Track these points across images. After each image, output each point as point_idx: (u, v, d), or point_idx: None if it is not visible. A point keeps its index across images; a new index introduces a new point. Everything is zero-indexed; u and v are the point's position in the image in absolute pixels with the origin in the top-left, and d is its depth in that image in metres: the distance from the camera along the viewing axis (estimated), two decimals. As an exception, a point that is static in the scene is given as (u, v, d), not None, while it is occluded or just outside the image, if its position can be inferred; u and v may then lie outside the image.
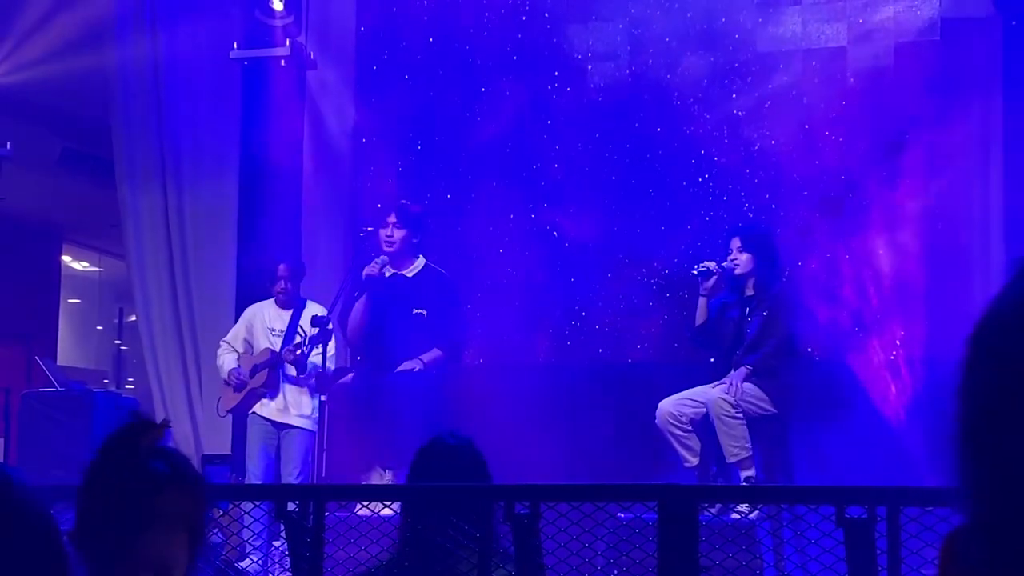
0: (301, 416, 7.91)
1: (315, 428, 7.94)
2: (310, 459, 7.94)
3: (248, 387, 7.95)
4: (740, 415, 6.85)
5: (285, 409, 7.92)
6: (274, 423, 7.94)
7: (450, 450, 3.87)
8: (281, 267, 8.11)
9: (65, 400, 9.15)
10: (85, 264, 15.10)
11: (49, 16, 9.60)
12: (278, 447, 7.98)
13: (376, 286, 7.84)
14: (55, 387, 9.31)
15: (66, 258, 14.25)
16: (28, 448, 8.98)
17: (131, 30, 9.85)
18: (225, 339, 8.25)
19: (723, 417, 6.85)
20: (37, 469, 8.64)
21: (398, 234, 7.78)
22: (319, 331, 7.59)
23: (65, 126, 10.92)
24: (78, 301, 15.17)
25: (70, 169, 11.42)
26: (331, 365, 7.76)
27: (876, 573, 3.08)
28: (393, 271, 7.85)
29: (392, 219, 7.82)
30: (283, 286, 8.04)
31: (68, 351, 14.10)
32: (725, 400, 6.85)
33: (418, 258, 7.91)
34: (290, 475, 7.86)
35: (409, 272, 7.85)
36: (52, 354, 12.33)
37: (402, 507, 3.69)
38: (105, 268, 15.01)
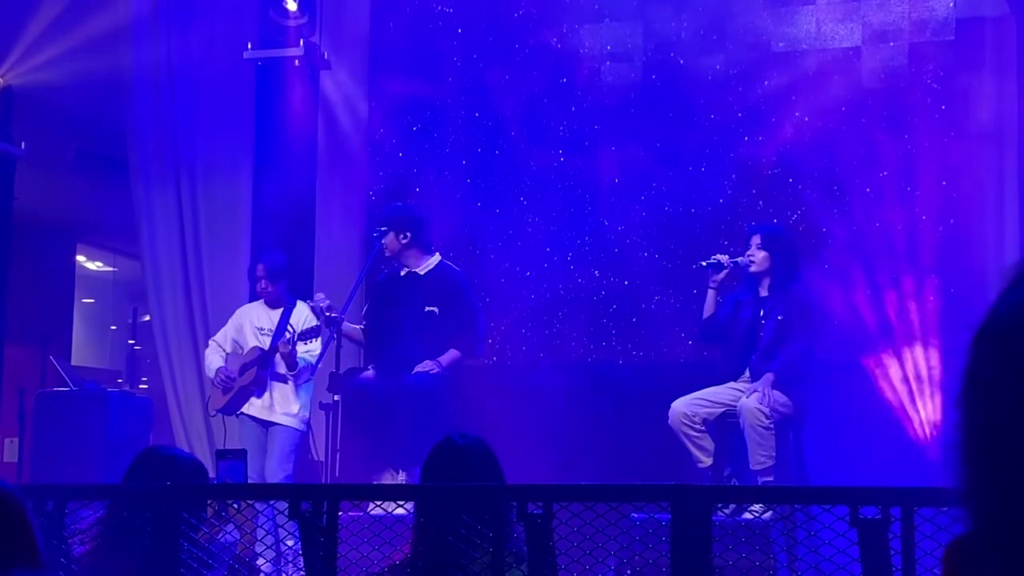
0: (287, 415, 7.88)
1: (303, 428, 7.92)
2: (295, 458, 7.93)
3: (237, 385, 7.94)
4: (772, 425, 6.84)
5: (271, 407, 7.91)
6: (260, 421, 7.93)
7: (460, 450, 3.88)
8: (259, 267, 8.11)
9: (79, 400, 9.17)
10: (99, 264, 15.12)
11: (64, 17, 9.62)
12: (266, 445, 7.96)
13: (391, 286, 7.86)
14: (69, 387, 9.33)
15: (80, 258, 14.27)
16: (42, 448, 9.00)
17: (146, 30, 9.87)
18: (214, 339, 8.24)
19: (757, 427, 6.83)
20: (51, 468, 8.67)
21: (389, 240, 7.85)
22: (316, 324, 7.60)
23: (80, 126, 10.94)
24: (92, 301, 15.18)
25: (85, 169, 11.44)
26: (311, 360, 7.78)
27: (890, 574, 3.07)
28: (408, 270, 7.86)
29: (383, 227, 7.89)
30: (263, 286, 8.04)
31: (82, 351, 14.12)
32: (760, 411, 6.83)
33: (432, 255, 7.89)
34: (275, 474, 7.82)
35: (421, 270, 7.84)
36: (66, 354, 12.35)
37: (416, 507, 3.70)
38: (119, 268, 15.02)
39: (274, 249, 8.44)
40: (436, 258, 7.90)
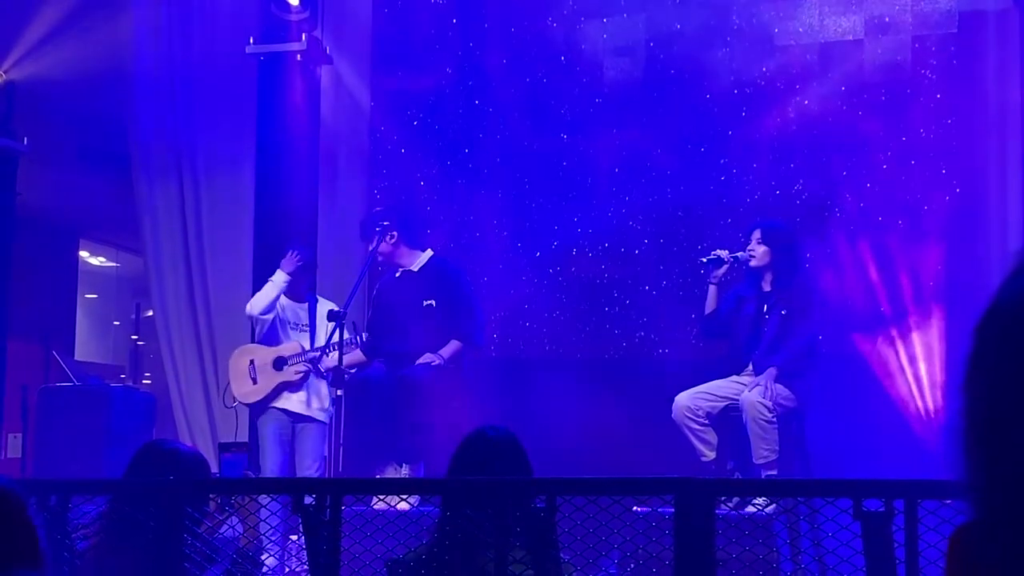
0: (321, 410, 7.94)
1: (328, 421, 7.97)
2: (325, 452, 7.97)
3: (278, 380, 7.94)
4: (775, 419, 6.84)
5: (308, 402, 7.94)
6: (292, 415, 7.94)
7: (491, 443, 3.89)
8: (292, 253, 8.07)
9: (82, 395, 9.17)
10: (102, 259, 15.13)
11: (66, 13, 9.61)
12: (292, 440, 7.98)
13: (389, 289, 7.92)
14: (72, 382, 9.33)
15: (83, 254, 14.27)
16: (46, 443, 9.01)
17: (148, 26, 9.87)
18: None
19: (759, 421, 6.83)
20: (54, 464, 8.67)
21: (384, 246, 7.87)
22: (335, 325, 7.60)
23: (82, 122, 10.93)
24: (95, 296, 15.20)
25: (87, 165, 11.44)
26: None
27: (894, 566, 3.06)
28: (403, 269, 7.91)
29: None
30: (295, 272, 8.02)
31: (85, 346, 14.12)
32: (763, 404, 6.83)
33: (424, 251, 7.95)
34: (308, 469, 7.87)
35: (415, 267, 7.90)
36: (69, 349, 12.35)
37: (437, 499, 3.71)
38: (122, 263, 15.04)
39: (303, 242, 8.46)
40: (429, 253, 7.95)
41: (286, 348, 7.99)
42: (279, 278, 7.97)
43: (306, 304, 8.09)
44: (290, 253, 8.05)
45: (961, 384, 0.99)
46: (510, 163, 9.21)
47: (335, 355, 7.64)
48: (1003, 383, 0.92)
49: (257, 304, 7.99)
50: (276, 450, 7.91)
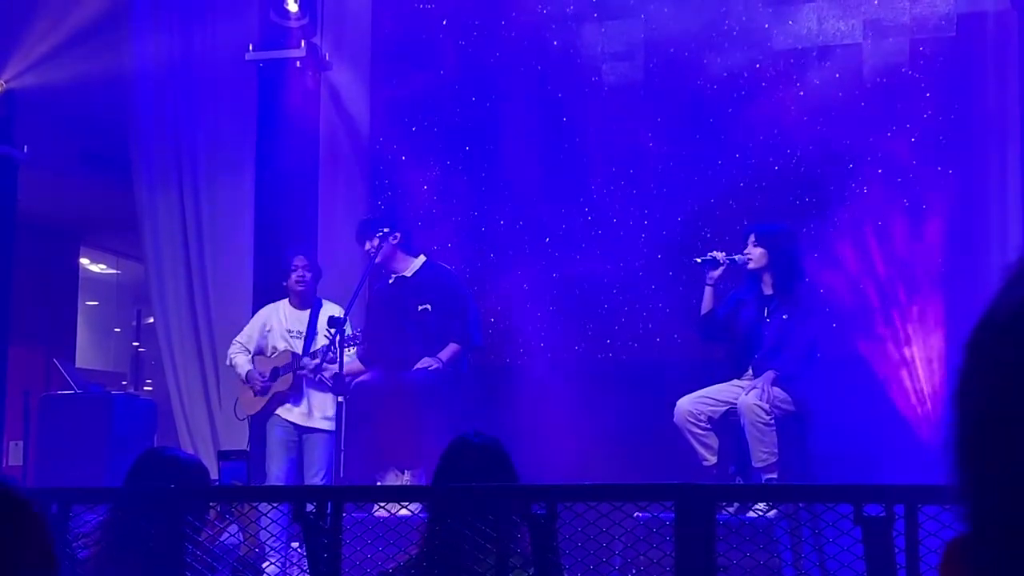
0: (325, 419, 7.92)
1: (334, 428, 7.97)
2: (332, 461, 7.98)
3: (272, 391, 7.95)
4: (773, 422, 6.84)
5: (309, 413, 7.95)
6: (296, 426, 7.95)
7: (475, 449, 3.88)
8: (299, 257, 8.11)
9: (83, 402, 9.18)
10: (103, 266, 15.14)
11: (65, 18, 9.62)
12: (299, 449, 7.99)
13: (383, 295, 7.95)
14: (73, 389, 9.33)
15: (84, 261, 14.28)
16: (47, 450, 9.01)
17: (147, 32, 9.86)
18: (238, 339, 8.24)
19: (757, 424, 6.83)
20: (56, 471, 8.67)
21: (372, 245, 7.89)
22: (335, 332, 7.60)
23: (82, 129, 10.94)
24: (96, 303, 15.21)
25: (87, 172, 11.45)
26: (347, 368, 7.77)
27: (894, 571, 3.06)
28: (395, 275, 7.93)
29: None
30: (301, 275, 8.03)
31: (86, 353, 14.13)
32: (760, 407, 6.83)
33: (417, 257, 7.98)
34: (315, 478, 7.88)
35: (408, 272, 7.93)
36: (70, 356, 12.36)
37: (427, 507, 3.70)
38: (123, 270, 15.05)
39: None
40: (422, 259, 8.00)
41: (281, 357, 8.01)
42: (244, 367, 8.09)
43: (307, 311, 8.09)
44: (297, 267, 8.06)
45: (955, 388, 0.99)
46: (511, 169, 9.19)
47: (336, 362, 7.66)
48: (998, 386, 0.91)
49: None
50: (281, 456, 7.92)
